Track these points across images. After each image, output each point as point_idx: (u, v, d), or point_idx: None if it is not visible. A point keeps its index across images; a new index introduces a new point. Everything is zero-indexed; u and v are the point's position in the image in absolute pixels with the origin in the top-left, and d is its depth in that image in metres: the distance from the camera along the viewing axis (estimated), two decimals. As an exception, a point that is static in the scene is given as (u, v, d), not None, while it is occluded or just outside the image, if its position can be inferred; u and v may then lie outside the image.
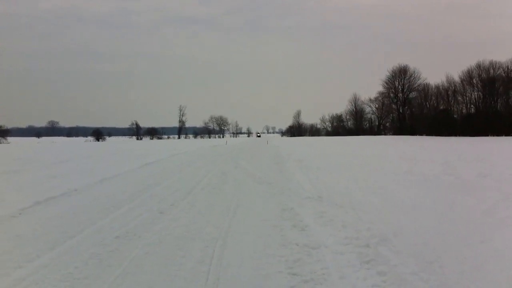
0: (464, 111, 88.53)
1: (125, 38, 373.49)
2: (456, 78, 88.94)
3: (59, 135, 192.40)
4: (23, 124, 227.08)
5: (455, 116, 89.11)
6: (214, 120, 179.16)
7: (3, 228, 8.91)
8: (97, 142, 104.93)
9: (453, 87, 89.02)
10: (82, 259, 6.75)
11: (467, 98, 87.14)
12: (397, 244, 7.12)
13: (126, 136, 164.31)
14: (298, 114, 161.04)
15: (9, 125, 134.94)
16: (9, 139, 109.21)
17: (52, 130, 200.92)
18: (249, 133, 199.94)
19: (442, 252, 6.61)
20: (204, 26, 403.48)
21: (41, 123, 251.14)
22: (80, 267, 6.40)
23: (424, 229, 8.07)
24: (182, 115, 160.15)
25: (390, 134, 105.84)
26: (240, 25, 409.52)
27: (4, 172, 19.57)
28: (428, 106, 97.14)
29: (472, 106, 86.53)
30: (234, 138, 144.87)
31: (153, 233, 8.37)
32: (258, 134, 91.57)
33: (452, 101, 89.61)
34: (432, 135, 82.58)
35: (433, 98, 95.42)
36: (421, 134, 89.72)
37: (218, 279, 5.86)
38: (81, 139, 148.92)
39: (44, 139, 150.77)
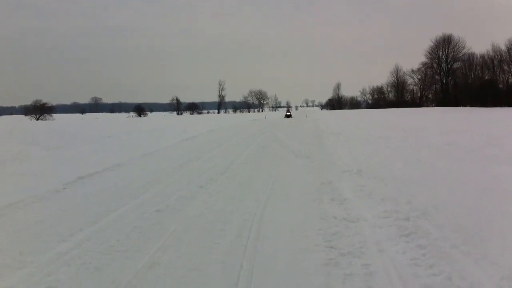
0: (510, 81, 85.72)
1: (165, 15, 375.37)
2: (503, 47, 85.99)
3: (102, 111, 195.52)
4: (68, 101, 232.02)
5: (500, 86, 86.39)
6: (253, 94, 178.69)
7: (48, 203, 9.17)
8: (138, 118, 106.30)
9: (499, 56, 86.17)
10: (124, 233, 6.90)
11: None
12: (437, 218, 7.01)
13: (167, 112, 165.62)
14: (338, 87, 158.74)
15: (54, 102, 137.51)
16: (54, 115, 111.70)
17: (96, 106, 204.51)
18: (288, 107, 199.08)
19: (484, 225, 6.47)
20: (243, 1, 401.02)
21: (84, 99, 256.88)
22: (121, 240, 6.55)
23: (465, 202, 7.91)
24: (222, 90, 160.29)
25: (432, 106, 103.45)
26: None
27: (50, 148, 20.08)
28: (472, 76, 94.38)
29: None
30: (274, 112, 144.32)
31: (193, 207, 8.48)
32: (288, 113, 73.67)
33: (498, 70, 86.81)
34: (477, 106, 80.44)
35: (478, 68, 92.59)
36: (465, 105, 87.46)
37: (255, 252, 5.91)
38: (123, 114, 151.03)
39: (87, 115, 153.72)
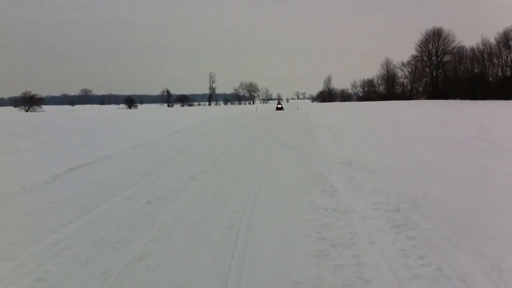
0: (499, 74, 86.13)
1: (155, 8, 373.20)
2: (492, 40, 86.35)
3: (92, 103, 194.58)
4: (57, 93, 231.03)
5: (490, 79, 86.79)
6: (244, 86, 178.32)
7: (38, 194, 9.13)
8: (129, 110, 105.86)
9: (488, 50, 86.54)
10: (114, 224, 6.88)
11: (503, 61, 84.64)
12: (427, 209, 7.04)
13: (157, 104, 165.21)
14: (328, 79, 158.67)
15: (43, 93, 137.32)
16: (44, 107, 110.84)
17: (85, 98, 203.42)
18: (279, 99, 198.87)
19: (473, 217, 6.51)
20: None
21: (74, 91, 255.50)
22: (111, 231, 6.54)
23: (455, 194, 7.96)
24: (213, 82, 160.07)
25: (422, 99, 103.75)
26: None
27: (40, 140, 19.95)
28: (462, 69, 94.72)
29: (508, 68, 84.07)
30: (264, 104, 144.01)
31: (184, 199, 8.47)
32: (279, 105, 71.96)
33: (488, 64, 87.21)
34: (466, 99, 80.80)
35: (468, 61, 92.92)
36: (454, 98, 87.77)
37: (246, 244, 5.92)
38: (113, 106, 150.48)
39: (77, 107, 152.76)
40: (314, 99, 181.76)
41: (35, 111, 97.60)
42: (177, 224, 6.87)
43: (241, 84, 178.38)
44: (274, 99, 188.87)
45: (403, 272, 4.87)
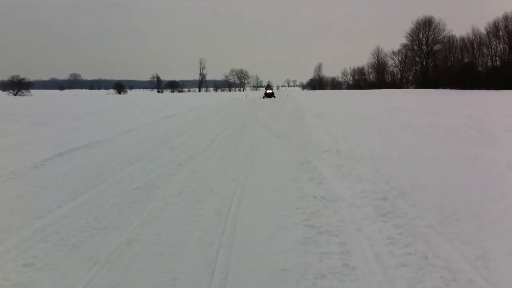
0: (489, 64, 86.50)
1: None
2: (482, 30, 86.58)
3: (81, 88, 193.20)
4: (46, 77, 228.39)
5: (480, 69, 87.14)
6: (235, 73, 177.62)
7: (26, 178, 9.09)
8: (118, 95, 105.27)
9: (478, 39, 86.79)
10: (102, 210, 6.87)
11: (493, 51, 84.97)
12: (415, 198, 7.10)
13: (147, 89, 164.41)
14: (319, 67, 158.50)
15: (32, 77, 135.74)
16: (32, 91, 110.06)
17: (75, 83, 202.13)
18: (269, 85, 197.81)
19: (460, 206, 6.57)
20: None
21: (63, 75, 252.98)
22: (99, 217, 6.53)
23: (443, 182, 8.02)
24: (203, 68, 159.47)
25: (412, 88, 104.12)
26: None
27: (28, 124, 19.84)
28: (452, 58, 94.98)
29: (497, 58, 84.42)
30: (255, 91, 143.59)
31: (172, 185, 8.47)
32: (269, 91, 62.19)
33: (477, 53, 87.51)
34: (456, 88, 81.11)
35: (458, 50, 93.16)
36: (444, 87, 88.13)
37: (234, 230, 5.94)
38: (102, 92, 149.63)
39: (66, 91, 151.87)
40: (305, 86, 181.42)
41: (24, 95, 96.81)
42: (165, 210, 6.88)
43: (232, 71, 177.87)
44: (264, 87, 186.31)
45: (389, 260, 4.91)
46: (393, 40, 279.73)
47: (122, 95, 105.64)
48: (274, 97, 57.74)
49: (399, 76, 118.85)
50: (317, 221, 6.27)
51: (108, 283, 4.48)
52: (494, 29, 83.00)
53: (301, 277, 4.55)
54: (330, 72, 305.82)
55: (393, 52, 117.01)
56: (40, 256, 5.09)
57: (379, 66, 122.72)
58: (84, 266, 4.84)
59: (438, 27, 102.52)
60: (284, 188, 8.18)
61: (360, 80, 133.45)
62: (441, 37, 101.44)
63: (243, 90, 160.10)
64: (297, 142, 13.88)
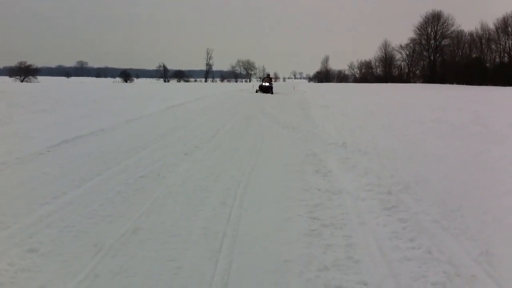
0: (497, 60, 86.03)
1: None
2: (491, 26, 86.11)
3: (87, 76, 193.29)
4: (53, 64, 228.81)
5: (487, 65, 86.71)
6: (241, 64, 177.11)
7: (32, 165, 9.11)
8: (124, 84, 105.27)
9: (487, 35, 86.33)
10: (107, 197, 6.89)
11: (501, 47, 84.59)
12: (419, 192, 7.08)
13: (154, 78, 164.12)
14: (326, 60, 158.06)
15: (38, 64, 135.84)
16: (39, 78, 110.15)
17: (81, 70, 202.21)
18: (276, 78, 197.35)
19: (465, 201, 6.55)
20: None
21: (70, 63, 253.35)
22: (104, 204, 6.55)
23: (448, 178, 8.00)
24: (209, 59, 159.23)
25: (419, 82, 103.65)
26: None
27: (35, 111, 19.85)
28: (460, 54, 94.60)
29: (505, 55, 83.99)
30: (261, 82, 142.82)
31: (177, 174, 8.48)
32: (266, 83, 44.26)
33: (486, 49, 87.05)
34: (463, 84, 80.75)
35: (466, 46, 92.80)
36: (451, 83, 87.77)
37: (239, 220, 5.95)
38: (109, 80, 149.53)
39: (73, 79, 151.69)
40: (311, 79, 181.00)
41: (31, 82, 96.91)
42: (170, 199, 6.89)
43: (238, 62, 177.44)
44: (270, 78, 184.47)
45: (393, 253, 4.91)
46: (401, 34, 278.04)
47: (128, 84, 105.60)
48: (272, 93, 41.01)
49: (406, 70, 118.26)
50: (321, 213, 6.28)
51: (112, 269, 4.50)
52: (503, 25, 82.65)
53: (304, 268, 4.56)
54: (337, 65, 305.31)
55: (401, 46, 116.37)
56: (45, 242, 5.11)
57: (387, 59, 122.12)
58: (89, 253, 4.86)
59: (446, 21, 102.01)
60: (289, 180, 8.18)
61: (367, 74, 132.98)
62: (450, 32, 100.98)
63: (250, 81, 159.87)
64: (303, 134, 13.86)
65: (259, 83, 47.09)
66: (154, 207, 6.48)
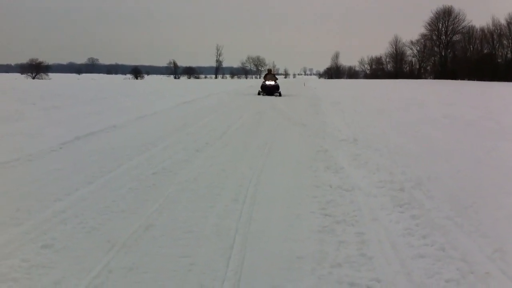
0: (509, 55, 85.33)
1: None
2: (503, 21, 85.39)
3: (98, 72, 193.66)
4: (64, 61, 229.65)
5: (499, 60, 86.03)
6: (251, 60, 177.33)
7: (44, 161, 9.17)
8: (135, 80, 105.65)
9: (498, 30, 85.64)
10: (120, 194, 6.92)
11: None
12: (432, 189, 7.06)
13: (164, 75, 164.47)
14: (336, 56, 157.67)
15: (50, 61, 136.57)
16: (50, 75, 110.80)
17: (92, 67, 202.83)
18: (286, 75, 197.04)
19: (478, 198, 6.53)
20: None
21: (81, 60, 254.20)
22: (117, 201, 6.58)
23: (460, 174, 7.97)
24: (219, 55, 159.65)
25: (430, 78, 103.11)
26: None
27: (47, 108, 19.97)
28: (471, 49, 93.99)
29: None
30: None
31: (189, 171, 8.49)
32: (269, 82, 34.93)
33: (497, 45, 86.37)
34: (474, 80, 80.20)
35: (477, 41, 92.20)
36: (462, 79, 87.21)
37: (250, 217, 5.95)
38: (120, 76, 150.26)
39: (84, 75, 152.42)
40: (321, 75, 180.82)
41: (42, 79, 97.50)
42: (182, 196, 6.91)
43: (248, 58, 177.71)
44: (281, 74, 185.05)
45: (406, 250, 4.89)
46: (411, 29, 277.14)
47: (139, 80, 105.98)
48: (279, 94, 34.17)
49: (417, 66, 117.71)
50: (333, 210, 6.26)
51: (125, 266, 4.52)
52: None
53: (317, 265, 4.55)
54: (347, 61, 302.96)
55: (412, 42, 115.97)
56: (59, 238, 5.14)
57: (397, 55, 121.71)
58: (102, 249, 4.89)
59: (457, 17, 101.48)
60: (300, 176, 8.18)
61: (377, 70, 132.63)
62: (461, 27, 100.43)
63: (259, 78, 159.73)
64: (314, 130, 13.84)
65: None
66: (167, 204, 6.50)
